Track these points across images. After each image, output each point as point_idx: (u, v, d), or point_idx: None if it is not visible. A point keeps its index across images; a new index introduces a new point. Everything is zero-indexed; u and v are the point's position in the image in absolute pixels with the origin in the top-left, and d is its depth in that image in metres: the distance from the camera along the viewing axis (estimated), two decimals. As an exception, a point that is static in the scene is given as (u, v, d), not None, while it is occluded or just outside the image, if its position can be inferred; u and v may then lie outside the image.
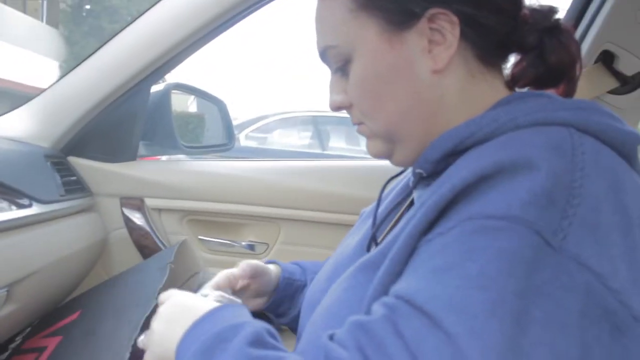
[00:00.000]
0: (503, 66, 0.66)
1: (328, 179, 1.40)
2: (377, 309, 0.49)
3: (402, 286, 0.49)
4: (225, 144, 1.74)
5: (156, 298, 0.93)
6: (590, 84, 1.23)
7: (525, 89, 0.67)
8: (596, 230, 0.47)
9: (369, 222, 0.79)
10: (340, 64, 0.65)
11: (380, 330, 0.46)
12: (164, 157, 1.69)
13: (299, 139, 6.28)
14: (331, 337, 0.51)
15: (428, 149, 0.61)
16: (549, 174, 0.47)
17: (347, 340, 0.48)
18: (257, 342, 0.53)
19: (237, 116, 6.54)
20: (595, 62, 1.22)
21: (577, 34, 1.27)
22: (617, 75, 1.22)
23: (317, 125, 6.06)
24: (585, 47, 1.24)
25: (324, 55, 0.67)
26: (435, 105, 0.63)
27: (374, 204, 0.89)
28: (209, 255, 1.42)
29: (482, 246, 0.46)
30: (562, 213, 0.46)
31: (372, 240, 0.69)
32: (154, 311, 0.92)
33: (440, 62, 0.61)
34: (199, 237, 1.42)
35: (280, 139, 6.23)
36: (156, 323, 0.63)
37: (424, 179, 0.63)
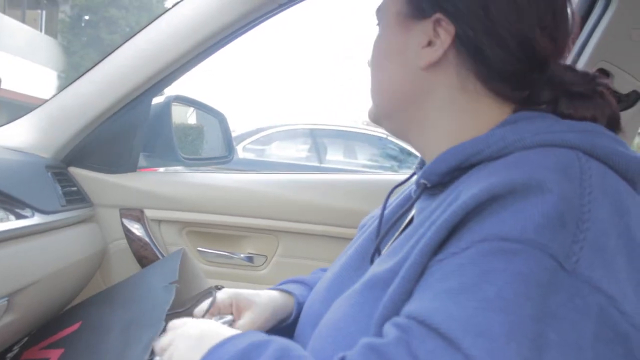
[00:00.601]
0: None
1: (327, 193, 1.41)
2: (389, 330, 0.49)
3: (414, 306, 0.50)
4: (225, 156, 1.75)
5: (164, 320, 0.94)
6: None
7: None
8: (604, 254, 0.48)
9: (368, 232, 0.80)
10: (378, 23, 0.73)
11: (394, 353, 0.47)
12: (161, 169, 1.69)
13: (297, 151, 6.29)
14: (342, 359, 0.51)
15: (433, 162, 0.63)
16: (560, 197, 0.48)
17: None
18: (283, 357, 0.53)
19: (235, 128, 6.55)
20: (591, 80, 1.24)
21: (573, 52, 1.29)
22: (611, 93, 1.24)
23: (315, 138, 6.08)
24: (580, 65, 1.25)
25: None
26: (420, 99, 0.67)
27: (374, 213, 0.91)
28: (208, 266, 1.42)
29: (498, 269, 0.46)
30: (573, 237, 0.47)
31: (376, 251, 0.70)
32: (162, 332, 0.92)
33: (422, 60, 0.65)
34: (198, 248, 1.43)
35: (278, 151, 6.23)
36: (179, 340, 0.63)
37: (427, 189, 0.64)
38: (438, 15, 0.63)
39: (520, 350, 0.43)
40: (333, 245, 1.36)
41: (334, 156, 6.21)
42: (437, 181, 0.63)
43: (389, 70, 0.69)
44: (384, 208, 0.79)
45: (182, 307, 0.98)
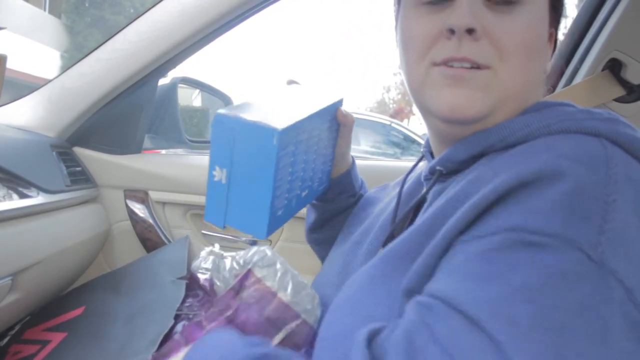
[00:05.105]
0: None
1: None
2: (410, 312, 0.49)
3: (439, 286, 0.49)
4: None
5: (174, 318, 0.93)
6: (596, 91, 1.23)
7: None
8: (626, 245, 0.47)
9: (382, 220, 0.78)
10: None
11: (418, 337, 0.46)
12: (163, 151, 1.69)
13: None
14: (369, 340, 0.50)
15: (453, 148, 0.62)
16: (586, 187, 0.48)
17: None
18: None
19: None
20: (603, 69, 1.23)
21: (585, 41, 1.28)
22: (623, 83, 1.22)
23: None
24: (592, 54, 1.24)
25: None
26: (538, 85, 0.66)
27: (375, 194, 0.90)
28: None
29: (525, 260, 0.46)
30: (599, 228, 0.46)
31: (391, 236, 0.69)
32: (170, 330, 0.92)
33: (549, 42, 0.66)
34: (202, 231, 1.42)
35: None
36: None
37: (442, 174, 0.64)
38: None
39: (545, 339, 0.43)
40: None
41: (337, 142, 6.17)
42: (453, 168, 0.62)
43: (539, 61, 0.63)
44: (400, 194, 0.77)
45: None
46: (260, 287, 0.75)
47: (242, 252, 0.77)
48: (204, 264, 0.95)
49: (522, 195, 0.49)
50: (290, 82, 0.88)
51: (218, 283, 0.93)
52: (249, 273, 0.91)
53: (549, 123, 0.56)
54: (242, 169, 0.68)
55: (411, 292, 0.53)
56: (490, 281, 0.46)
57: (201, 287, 1.02)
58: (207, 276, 0.98)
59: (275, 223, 0.71)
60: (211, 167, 0.70)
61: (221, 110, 0.68)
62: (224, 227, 0.72)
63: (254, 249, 0.76)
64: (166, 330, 0.89)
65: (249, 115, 0.68)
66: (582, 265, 0.45)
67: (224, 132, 0.68)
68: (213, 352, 0.57)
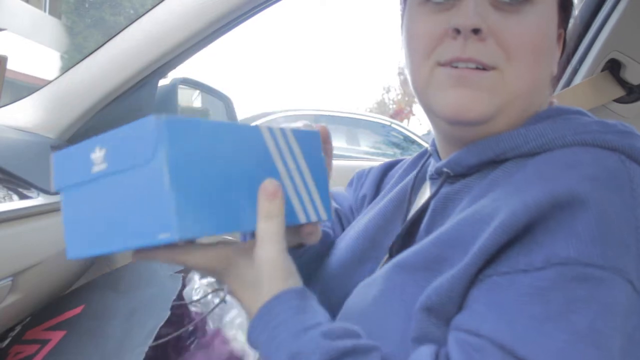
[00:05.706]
0: None
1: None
2: (455, 351, 0.46)
3: (485, 326, 0.46)
4: (230, 139, 1.73)
5: (169, 309, 0.94)
6: (596, 92, 1.23)
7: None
8: None
9: (374, 212, 0.77)
10: None
11: None
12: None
13: (300, 137, 6.25)
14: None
15: (463, 152, 0.60)
16: (616, 212, 0.47)
17: None
18: None
19: (240, 112, 6.51)
20: (602, 70, 1.23)
21: (585, 41, 1.28)
22: (623, 84, 1.23)
23: (319, 124, 6.05)
24: (592, 55, 1.24)
25: None
26: (545, 87, 0.64)
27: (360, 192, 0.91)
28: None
29: (584, 297, 0.44)
30: (638, 257, 0.46)
31: (401, 238, 0.67)
32: (166, 322, 0.93)
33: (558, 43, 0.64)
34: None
35: (281, 137, 6.19)
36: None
37: (449, 177, 0.63)
38: None
39: None
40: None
41: (337, 142, 6.14)
42: (462, 172, 0.60)
43: (547, 62, 0.61)
44: (410, 197, 0.74)
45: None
46: (229, 348, 0.75)
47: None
48: (195, 296, 0.95)
49: (560, 220, 0.46)
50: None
51: (212, 325, 0.93)
52: (218, 332, 0.93)
53: (564, 134, 0.55)
54: (120, 194, 0.47)
55: (430, 310, 0.50)
56: (551, 324, 0.44)
57: (192, 319, 1.03)
58: (198, 309, 0.99)
59: (88, 255, 0.53)
60: (97, 141, 0.50)
61: (187, 123, 0.47)
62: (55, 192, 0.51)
63: (235, 310, 0.75)
64: (162, 323, 0.90)
65: (188, 179, 0.46)
66: (631, 298, 0.45)
67: (152, 138, 0.46)
68: (281, 342, 0.49)
